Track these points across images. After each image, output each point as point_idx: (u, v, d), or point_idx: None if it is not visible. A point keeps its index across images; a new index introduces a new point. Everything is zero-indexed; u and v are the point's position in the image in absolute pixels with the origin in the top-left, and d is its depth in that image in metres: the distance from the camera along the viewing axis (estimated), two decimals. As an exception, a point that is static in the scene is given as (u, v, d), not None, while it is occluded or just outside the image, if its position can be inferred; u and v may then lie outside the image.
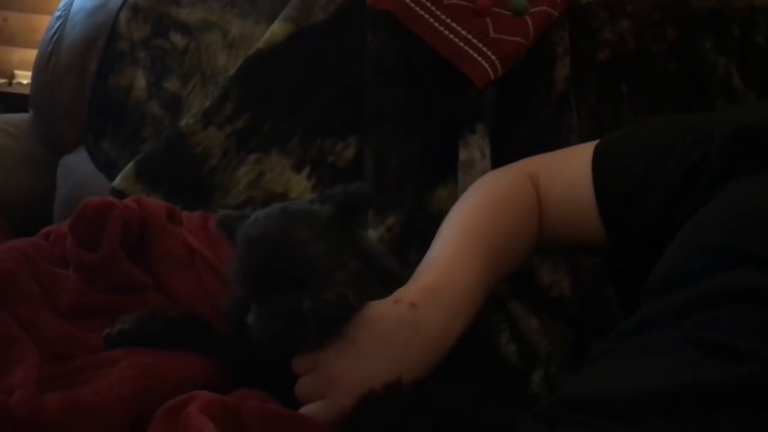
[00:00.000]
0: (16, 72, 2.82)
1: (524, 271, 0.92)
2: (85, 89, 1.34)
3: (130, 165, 1.13)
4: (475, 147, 0.98)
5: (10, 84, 2.78)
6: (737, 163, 0.73)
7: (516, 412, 0.69)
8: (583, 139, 0.97)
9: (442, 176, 1.01)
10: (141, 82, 1.28)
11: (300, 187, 1.09)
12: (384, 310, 0.71)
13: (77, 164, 1.36)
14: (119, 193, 1.11)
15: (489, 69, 0.96)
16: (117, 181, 1.13)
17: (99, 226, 0.90)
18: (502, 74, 0.98)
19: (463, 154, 0.99)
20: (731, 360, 0.59)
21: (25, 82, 2.71)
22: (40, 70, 1.44)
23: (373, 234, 0.98)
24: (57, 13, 1.44)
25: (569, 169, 0.88)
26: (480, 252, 0.79)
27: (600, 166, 0.85)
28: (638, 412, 0.60)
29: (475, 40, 0.98)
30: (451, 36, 0.99)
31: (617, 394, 0.63)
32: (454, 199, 0.98)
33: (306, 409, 0.68)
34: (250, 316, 0.71)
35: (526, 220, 0.88)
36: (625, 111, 0.99)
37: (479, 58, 0.96)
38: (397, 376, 0.67)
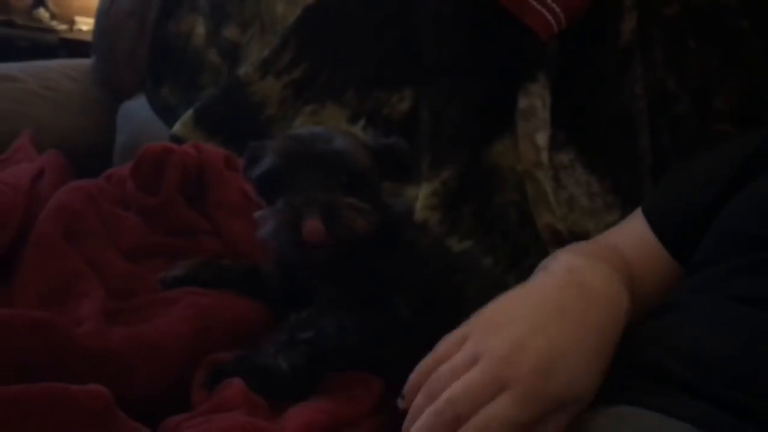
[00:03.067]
0: (76, 18, 2.87)
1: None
2: (145, 35, 1.36)
3: (189, 112, 1.15)
4: (536, 95, 0.96)
5: (70, 29, 2.83)
6: None
7: None
8: (646, 92, 0.95)
9: (499, 130, 1.00)
10: (200, 29, 1.28)
11: (355, 138, 1.09)
12: (535, 280, 0.61)
13: (137, 110, 1.38)
14: (178, 140, 1.13)
15: (553, 22, 0.94)
16: (176, 128, 1.15)
17: (159, 171, 0.92)
18: (566, 27, 0.95)
19: (523, 102, 0.97)
20: None
21: (84, 28, 2.76)
22: (101, 15, 1.46)
23: (427, 187, 0.98)
24: (119, -40, 1.46)
25: (632, 232, 0.80)
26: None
27: (651, 209, 0.80)
28: (684, 374, 0.60)
29: (539, -7, 0.96)
30: (516, -13, 0.97)
31: (663, 357, 0.62)
32: (510, 152, 0.97)
33: (492, 410, 0.52)
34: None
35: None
36: (692, 68, 0.96)
37: (544, 11, 0.94)
38: (589, 346, 0.56)
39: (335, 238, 0.67)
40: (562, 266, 0.63)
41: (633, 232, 0.80)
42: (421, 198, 0.99)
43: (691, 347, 0.62)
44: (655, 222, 0.79)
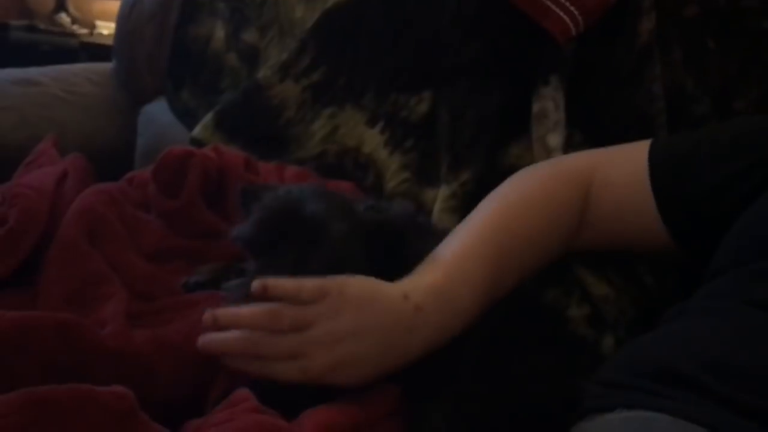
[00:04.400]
0: (97, 22, 2.90)
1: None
2: (166, 40, 1.38)
3: (209, 115, 1.16)
4: (548, 98, 0.97)
5: (91, 34, 2.87)
6: None
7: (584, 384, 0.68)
8: (665, 91, 0.94)
9: (516, 132, 1.00)
10: (220, 33, 1.30)
11: (373, 141, 1.09)
12: (391, 301, 0.68)
13: (157, 113, 1.40)
14: (198, 143, 1.14)
15: (571, 25, 0.94)
16: (196, 131, 1.16)
17: (180, 174, 0.93)
18: (583, 30, 0.95)
19: (535, 106, 0.97)
20: None
21: (105, 32, 2.79)
22: (123, 19, 1.48)
23: (446, 189, 0.98)
24: (140, -35, 1.47)
25: (628, 164, 0.84)
26: (491, 255, 0.75)
27: (656, 158, 0.82)
28: (700, 379, 0.59)
29: (558, -5, 0.96)
30: (534, -10, 0.97)
31: (680, 360, 0.62)
32: (527, 155, 0.97)
33: (279, 367, 0.64)
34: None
35: (559, 219, 0.83)
36: (711, 69, 0.95)
37: (562, 14, 0.94)
38: (380, 363, 0.66)
39: None
40: (419, 296, 0.69)
41: (628, 168, 0.83)
42: (439, 200, 0.99)
43: (710, 352, 0.62)
44: (656, 176, 0.81)
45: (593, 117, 0.97)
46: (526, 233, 0.80)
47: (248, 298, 0.65)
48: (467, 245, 0.76)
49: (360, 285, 0.67)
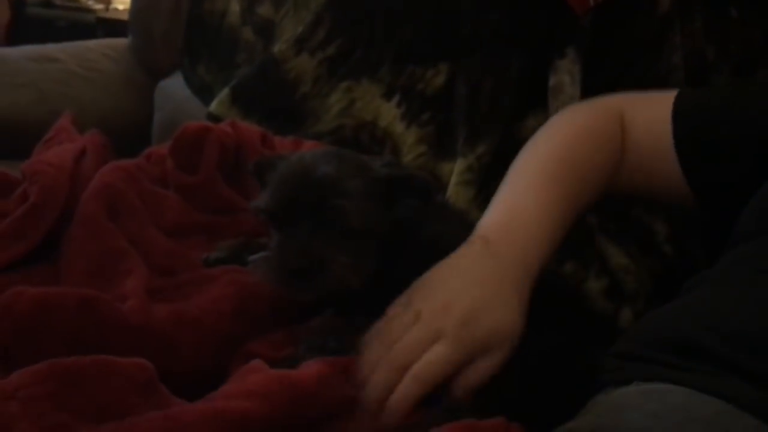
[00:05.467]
0: (112, -3, 2.90)
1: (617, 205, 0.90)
2: (181, 14, 1.38)
3: (226, 90, 1.16)
4: (564, 71, 0.96)
5: (107, 9, 2.87)
6: None
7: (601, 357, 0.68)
8: (686, 60, 0.93)
9: (533, 105, 0.99)
10: (235, 7, 1.29)
11: (389, 114, 1.09)
12: (458, 252, 0.69)
13: (174, 89, 1.40)
14: (215, 118, 1.14)
15: (590, -4, 0.93)
16: (213, 106, 1.16)
17: (197, 150, 0.94)
18: (602, 1, 0.94)
19: (552, 79, 0.96)
20: None
21: (120, 7, 2.80)
22: (138, -5, 1.48)
23: (462, 162, 0.98)
24: (153, -61, 1.46)
25: (653, 108, 0.83)
26: (553, 187, 0.76)
27: (680, 106, 0.80)
28: (719, 350, 0.59)
29: (577, -34, 0.95)
30: (553, -39, 0.96)
31: (698, 332, 0.62)
32: (544, 127, 0.96)
33: (431, 355, 0.62)
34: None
35: (606, 154, 0.83)
36: (734, 38, 0.94)
37: (581, -15, 0.93)
38: (505, 299, 0.66)
39: (322, 291, 0.68)
40: (481, 233, 0.72)
41: (654, 113, 0.82)
42: (455, 173, 0.99)
43: (729, 324, 0.61)
44: (678, 123, 0.80)
45: (612, 88, 0.96)
46: (584, 165, 0.80)
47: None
48: (525, 182, 0.77)
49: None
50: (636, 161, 0.82)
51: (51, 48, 1.47)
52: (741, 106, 0.78)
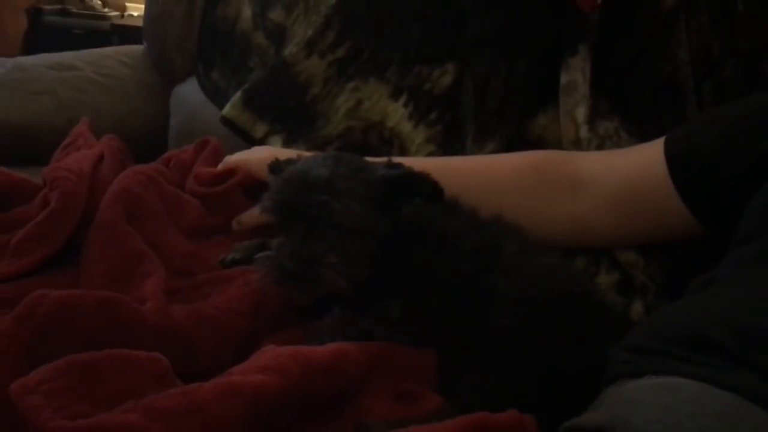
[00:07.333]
0: (127, 4, 2.94)
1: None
2: (194, 21, 1.39)
3: (238, 94, 1.18)
4: (576, 69, 0.96)
5: (122, 16, 2.90)
6: None
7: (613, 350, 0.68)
8: (691, 55, 0.93)
9: (542, 103, 0.99)
10: (247, 12, 1.31)
11: (397, 115, 1.10)
12: None
13: (188, 94, 1.42)
14: (228, 121, 1.16)
15: (597, -6, 0.93)
16: (226, 110, 1.18)
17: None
18: (608, -2, 0.94)
19: (564, 78, 0.96)
20: None
21: (135, 14, 2.83)
22: (151, 2, 1.50)
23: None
24: (167, -53, 1.48)
25: (638, 158, 0.86)
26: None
27: (672, 148, 0.82)
28: (730, 345, 0.60)
29: (583, -36, 0.95)
30: (559, -41, 0.96)
31: (709, 327, 0.62)
32: (554, 126, 0.97)
33: None
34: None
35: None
36: (740, 32, 0.94)
37: (587, -18, 0.93)
38: None
39: (313, 293, 0.71)
40: None
41: (641, 161, 0.85)
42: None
43: (739, 319, 0.61)
44: (675, 165, 0.81)
45: (619, 84, 0.97)
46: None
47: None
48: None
49: None
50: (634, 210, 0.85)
51: (68, 56, 1.49)
52: (730, 136, 0.79)
